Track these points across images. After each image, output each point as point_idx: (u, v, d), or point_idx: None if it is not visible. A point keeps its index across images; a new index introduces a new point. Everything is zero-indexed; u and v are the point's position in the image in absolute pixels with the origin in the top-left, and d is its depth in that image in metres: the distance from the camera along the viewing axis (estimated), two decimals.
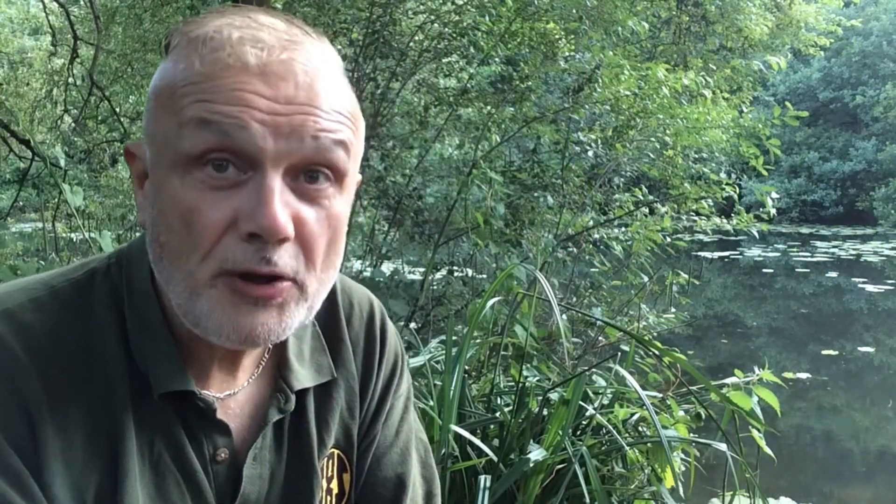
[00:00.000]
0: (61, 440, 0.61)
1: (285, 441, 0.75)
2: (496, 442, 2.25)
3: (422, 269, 4.92)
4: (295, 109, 0.61)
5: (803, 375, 6.03)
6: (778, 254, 15.71)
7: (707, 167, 5.28)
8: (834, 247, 17.25)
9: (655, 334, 4.62)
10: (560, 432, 2.04)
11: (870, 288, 10.92)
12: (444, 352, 2.23)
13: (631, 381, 2.19)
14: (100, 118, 6.65)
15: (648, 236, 4.71)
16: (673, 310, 5.40)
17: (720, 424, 2.19)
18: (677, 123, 4.86)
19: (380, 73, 4.64)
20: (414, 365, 2.34)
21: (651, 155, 5.19)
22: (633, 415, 2.37)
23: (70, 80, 6.84)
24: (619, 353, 2.90)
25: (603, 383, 2.48)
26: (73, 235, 7.60)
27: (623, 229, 5.22)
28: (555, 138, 4.88)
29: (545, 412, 2.26)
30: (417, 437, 0.89)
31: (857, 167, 26.04)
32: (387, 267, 4.79)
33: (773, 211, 4.77)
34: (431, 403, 2.14)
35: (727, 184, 5.07)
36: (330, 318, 0.82)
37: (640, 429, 2.42)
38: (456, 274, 4.43)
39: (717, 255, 14.59)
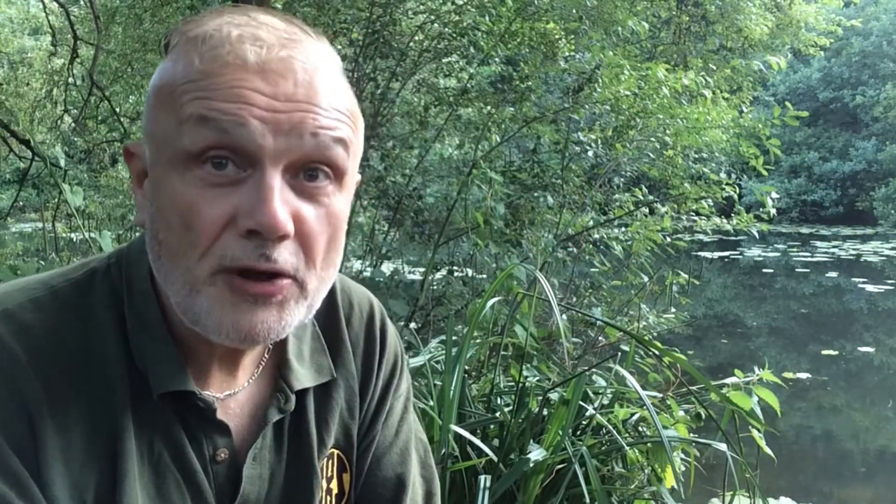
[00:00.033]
0: (61, 440, 0.61)
1: (285, 441, 0.75)
2: (496, 442, 2.25)
3: (422, 269, 4.92)
4: (294, 107, 0.61)
5: (803, 375, 6.03)
6: (778, 254, 15.71)
7: (707, 167, 5.28)
8: (834, 247, 17.25)
9: (655, 334, 4.62)
10: (560, 432, 2.04)
11: (870, 288, 10.92)
12: (444, 352, 2.23)
13: (631, 381, 2.19)
14: (100, 118, 6.65)
15: (648, 236, 4.71)
16: (673, 310, 5.40)
17: (720, 424, 2.19)
18: (677, 123, 4.86)
19: (380, 73, 4.64)
20: (414, 365, 2.34)
21: (651, 155, 5.19)
22: (633, 415, 2.37)
23: (70, 80, 6.84)
24: (619, 353, 2.90)
25: (603, 383, 2.48)
26: (73, 235, 7.60)
27: (623, 229, 5.22)
28: (555, 138, 4.88)
29: (545, 412, 2.26)
30: (417, 437, 0.89)
31: (857, 167, 26.04)
32: (387, 267, 4.79)
33: (773, 211, 4.77)
34: (431, 403, 2.14)
35: (727, 184, 5.07)
36: (329, 318, 0.82)
37: (640, 429, 2.42)
38: (456, 274, 4.43)
39: (717, 255, 14.59)
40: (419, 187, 4.79)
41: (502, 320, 2.80)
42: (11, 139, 5.97)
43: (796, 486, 3.82)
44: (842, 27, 12.07)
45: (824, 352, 6.99)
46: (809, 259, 14.76)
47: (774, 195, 4.83)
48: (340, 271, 0.73)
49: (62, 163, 3.49)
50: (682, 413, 2.38)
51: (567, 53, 5.04)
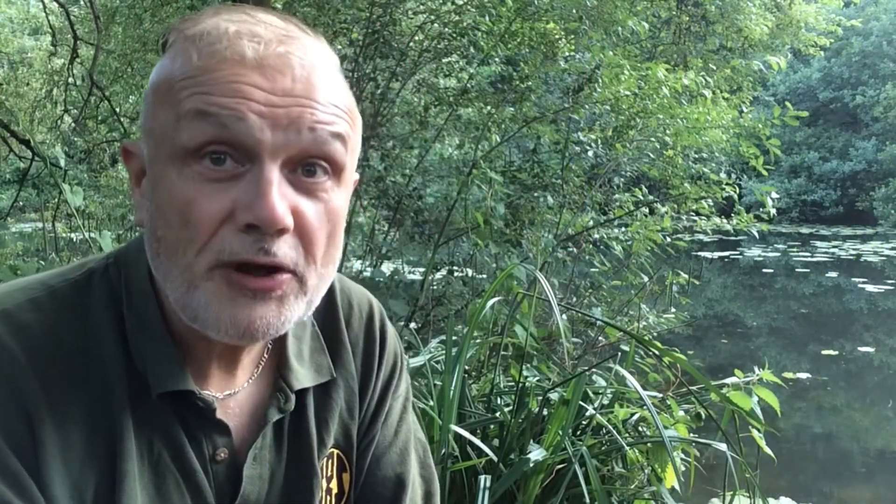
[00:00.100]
0: (60, 440, 0.61)
1: (285, 441, 0.75)
2: (496, 442, 2.25)
3: (422, 269, 4.92)
4: (292, 102, 0.61)
5: (803, 375, 6.03)
6: (778, 254, 15.71)
7: (707, 167, 5.28)
8: (834, 247, 17.25)
9: (655, 334, 4.62)
10: (560, 432, 2.04)
11: (870, 288, 10.92)
12: (444, 352, 2.23)
13: (631, 380, 2.19)
14: (100, 118, 6.65)
15: (648, 236, 4.71)
16: (673, 310, 5.41)
17: (720, 424, 2.19)
18: (677, 123, 4.86)
19: (380, 73, 4.64)
20: (414, 365, 2.34)
21: (651, 155, 5.19)
22: (633, 415, 2.37)
23: (70, 80, 6.84)
24: (619, 353, 2.90)
25: (603, 383, 2.48)
26: (73, 235, 7.60)
27: (623, 229, 5.21)
28: (555, 138, 4.88)
29: (545, 412, 2.26)
30: (416, 438, 0.89)
31: (857, 167, 26.04)
32: (387, 267, 4.79)
33: (773, 211, 4.77)
34: (431, 403, 2.14)
35: (727, 184, 5.07)
36: (329, 318, 0.82)
37: (640, 429, 2.42)
38: (456, 274, 4.43)
39: (717, 255, 14.59)
40: (419, 187, 4.79)
41: (502, 320, 2.80)
42: (11, 139, 5.97)
43: (796, 486, 3.82)
44: (842, 27, 12.07)
45: (824, 352, 6.99)
46: (809, 259, 14.76)
47: (774, 195, 4.83)
48: (340, 271, 0.74)
49: (62, 163, 3.49)
50: (682, 413, 2.38)
51: (567, 53, 5.04)
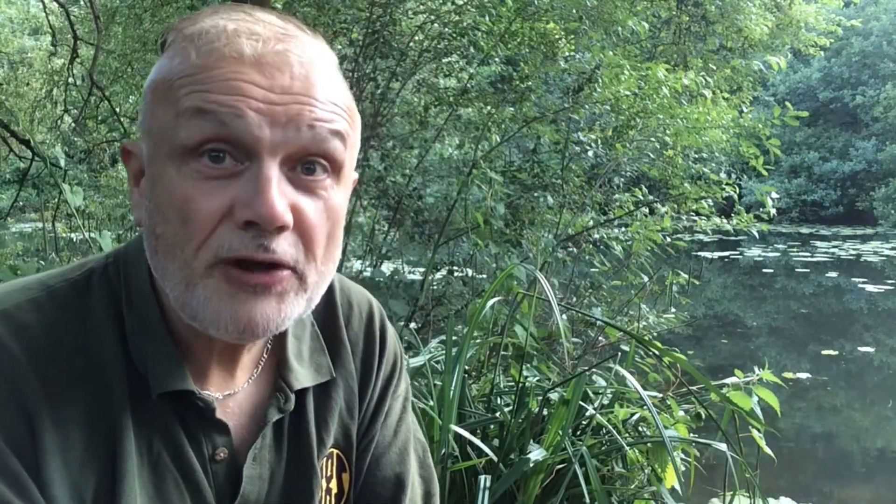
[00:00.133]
0: (60, 440, 0.61)
1: (285, 441, 0.75)
2: (496, 442, 2.25)
3: (422, 269, 4.92)
4: (291, 99, 0.61)
5: (803, 375, 6.03)
6: (778, 254, 15.71)
7: (707, 167, 5.28)
8: (834, 247, 17.24)
9: (655, 334, 4.62)
10: (560, 432, 2.04)
11: (870, 288, 10.92)
12: (444, 352, 2.23)
13: (631, 380, 2.19)
14: (100, 118, 6.64)
15: (648, 236, 4.71)
16: (673, 310, 5.41)
17: (720, 424, 2.19)
18: (677, 123, 4.86)
19: (380, 73, 4.64)
20: (414, 365, 2.34)
21: (651, 155, 5.19)
22: (633, 415, 2.37)
23: (70, 80, 6.84)
24: (619, 353, 2.90)
25: (603, 383, 2.48)
26: (73, 235, 7.60)
27: (623, 229, 5.21)
28: (555, 138, 4.88)
29: (545, 412, 2.26)
30: (415, 438, 0.89)
31: (857, 167, 26.04)
32: (387, 267, 4.79)
33: (773, 211, 4.77)
34: (431, 403, 2.14)
35: (727, 184, 5.07)
36: (328, 318, 0.82)
37: (640, 429, 2.42)
38: (456, 274, 4.43)
39: (717, 255, 14.59)
40: (419, 187, 4.79)
41: (502, 320, 2.80)
42: (11, 139, 5.97)
43: (796, 486, 3.82)
44: (842, 27, 12.07)
45: (824, 352, 6.99)
46: (809, 259, 14.76)
47: (774, 195, 4.83)
48: (340, 271, 0.74)
49: (62, 163, 3.49)
50: (682, 413, 2.38)
51: (567, 53, 5.04)
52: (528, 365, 2.56)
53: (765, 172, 5.03)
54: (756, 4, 8.40)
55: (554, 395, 2.24)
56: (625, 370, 2.31)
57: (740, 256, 15.11)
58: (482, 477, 1.95)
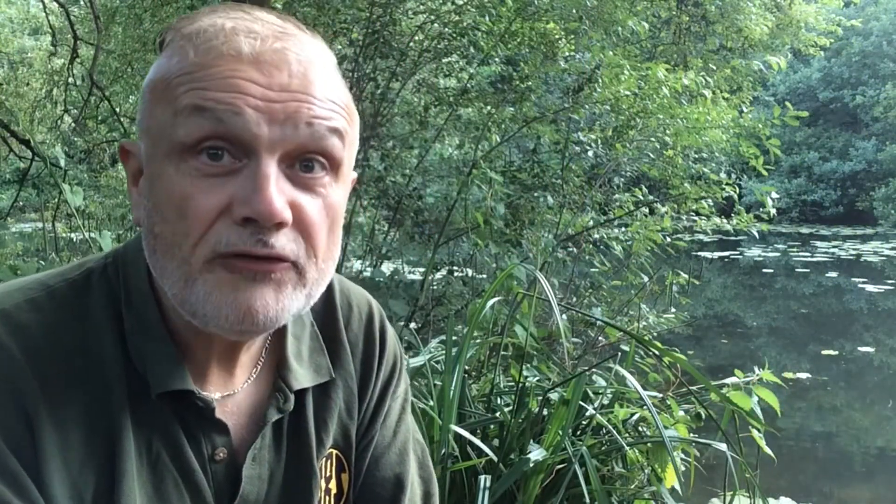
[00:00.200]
0: (59, 440, 0.61)
1: (284, 441, 0.75)
2: (496, 442, 2.25)
3: (422, 269, 4.92)
4: (289, 97, 0.61)
5: (803, 375, 6.03)
6: (778, 254, 15.71)
7: (707, 167, 5.28)
8: (834, 247, 17.24)
9: (655, 334, 4.62)
10: (560, 432, 2.04)
11: (870, 288, 10.92)
12: (444, 352, 2.23)
13: (631, 380, 2.19)
14: (100, 118, 6.65)
15: (648, 236, 4.71)
16: (673, 310, 5.41)
17: (720, 424, 2.19)
18: (677, 123, 4.86)
19: (380, 73, 4.64)
20: (414, 365, 2.34)
21: (651, 155, 5.19)
22: (633, 415, 2.37)
23: (70, 80, 6.84)
24: (619, 353, 2.90)
25: (603, 383, 2.48)
26: (73, 235, 7.60)
27: (623, 229, 5.21)
28: (555, 138, 4.88)
29: (545, 412, 2.26)
30: (415, 439, 0.89)
31: (857, 167, 26.04)
32: (387, 267, 4.79)
33: (773, 211, 4.77)
34: (431, 403, 2.14)
35: (727, 184, 5.07)
36: (327, 319, 0.82)
37: (640, 429, 2.42)
38: (456, 274, 4.43)
39: (717, 255, 14.59)
40: (419, 187, 4.79)
41: (502, 320, 2.80)
42: (11, 139, 5.97)
43: (796, 486, 3.81)
44: (842, 27, 12.07)
45: (824, 352, 6.99)
46: (809, 259, 14.76)
47: (774, 195, 4.83)
48: (340, 271, 0.74)
49: (62, 163, 3.49)
50: (682, 413, 2.38)
51: (567, 53, 5.04)
52: (528, 365, 2.56)
53: (765, 172, 5.03)
54: (756, 4, 8.40)
55: (554, 395, 2.24)
56: (625, 370, 2.31)
57: (740, 256, 15.11)
58: (482, 477, 1.95)
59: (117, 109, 6.46)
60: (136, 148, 0.67)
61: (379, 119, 4.58)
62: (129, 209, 0.70)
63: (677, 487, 2.20)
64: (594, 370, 2.49)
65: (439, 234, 4.22)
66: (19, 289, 0.66)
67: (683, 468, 2.34)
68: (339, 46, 4.53)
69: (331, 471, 0.80)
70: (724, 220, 5.23)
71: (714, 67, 7.43)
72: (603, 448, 2.27)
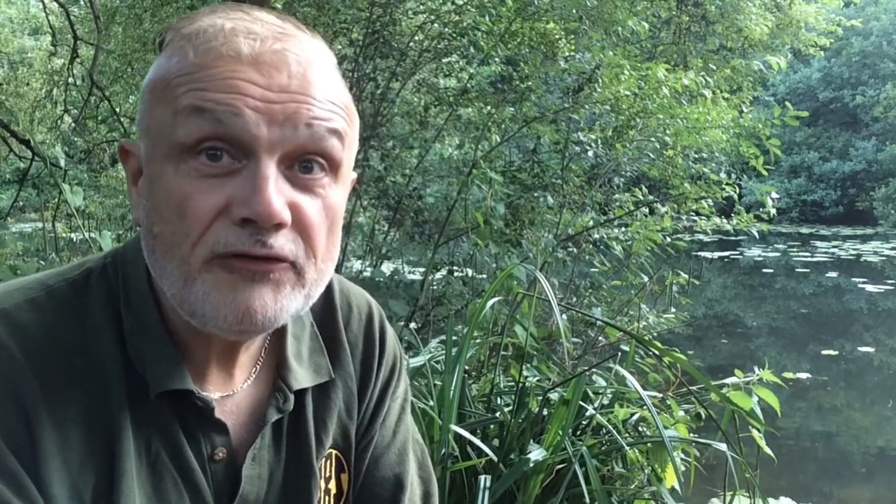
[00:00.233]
0: (58, 440, 0.61)
1: (284, 441, 0.75)
2: (496, 442, 2.25)
3: (422, 269, 4.92)
4: (288, 98, 0.61)
5: (803, 375, 6.03)
6: (778, 254, 15.71)
7: (707, 167, 5.28)
8: (834, 247, 17.24)
9: (655, 334, 4.62)
10: (560, 432, 2.04)
11: (870, 288, 10.92)
12: (444, 352, 2.23)
13: (631, 380, 2.19)
14: (100, 118, 6.65)
15: (648, 236, 4.71)
16: (673, 310, 5.41)
17: (720, 424, 2.19)
18: (677, 123, 4.86)
19: (380, 73, 4.64)
20: (414, 365, 2.34)
21: (651, 155, 5.19)
22: (633, 415, 2.37)
23: (70, 80, 6.84)
24: (619, 353, 2.90)
25: (603, 383, 2.48)
26: (73, 235, 7.60)
27: (623, 229, 5.21)
28: (555, 138, 4.88)
29: (545, 412, 2.26)
30: (414, 439, 0.89)
31: (857, 167, 26.04)
32: (387, 267, 4.79)
33: (773, 211, 4.77)
34: (431, 403, 2.14)
35: (727, 184, 5.07)
36: (327, 319, 0.82)
37: (640, 429, 2.42)
38: (456, 274, 4.43)
39: (717, 255, 14.59)
40: (419, 187, 4.79)
41: (502, 320, 2.80)
42: (11, 139, 5.97)
43: (796, 486, 3.81)
44: (842, 27, 12.07)
45: (824, 352, 6.99)
46: (809, 259, 14.76)
47: (774, 195, 4.83)
48: (340, 271, 0.74)
49: (62, 163, 3.49)
50: (682, 413, 2.38)
51: (567, 53, 5.04)
52: (528, 365, 2.56)
53: (765, 172, 5.03)
54: (756, 4, 8.40)
55: (554, 395, 2.24)
56: (625, 370, 2.31)
57: (740, 256, 15.11)
58: (482, 477, 1.95)
59: (117, 109, 6.46)
60: (136, 148, 0.67)
61: (379, 119, 4.58)
62: (129, 209, 0.70)
63: (677, 487, 2.20)
64: (594, 370, 2.49)
65: (439, 234, 4.22)
66: (19, 288, 0.66)
67: (683, 468, 2.34)
68: (339, 46, 4.53)
69: (330, 471, 0.80)
70: (724, 220, 5.23)
71: (714, 67, 7.43)
72: (603, 448, 2.27)
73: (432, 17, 4.89)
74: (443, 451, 1.96)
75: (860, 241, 18.96)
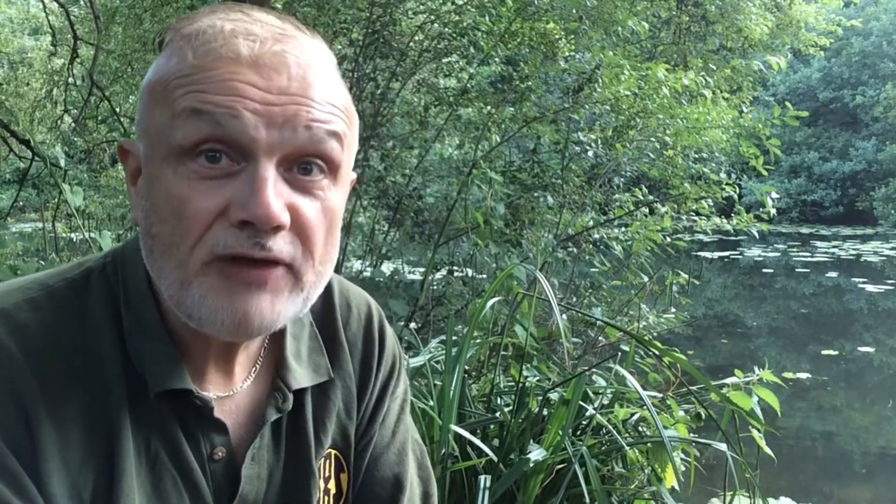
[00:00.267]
0: (58, 439, 0.61)
1: (283, 441, 0.75)
2: (496, 442, 2.25)
3: (422, 269, 4.92)
4: (288, 100, 0.61)
5: (803, 375, 6.03)
6: (778, 254, 15.71)
7: (707, 167, 5.28)
8: (834, 247, 17.24)
9: (655, 334, 4.62)
10: (560, 432, 2.04)
11: (870, 288, 10.92)
12: (444, 352, 2.23)
13: (631, 380, 2.19)
14: (100, 118, 6.65)
15: (648, 236, 4.71)
16: (673, 310, 5.40)
17: (720, 424, 2.19)
18: (677, 123, 4.86)
19: (380, 73, 4.64)
20: (414, 365, 2.34)
21: (651, 155, 5.19)
22: (633, 415, 2.37)
23: (70, 80, 6.84)
24: (619, 353, 2.90)
25: (603, 383, 2.48)
26: (73, 235, 7.61)
27: (623, 229, 5.21)
28: (555, 138, 4.88)
29: (545, 412, 2.26)
30: (413, 439, 0.89)
31: (857, 167, 26.04)
32: (387, 267, 4.79)
33: (773, 211, 4.77)
34: (431, 403, 2.14)
35: (727, 184, 5.07)
36: (326, 319, 0.82)
37: (640, 429, 2.42)
38: (456, 274, 4.43)
39: (717, 255, 14.59)
40: (419, 187, 4.79)
41: (502, 320, 2.80)
42: (11, 139, 5.97)
43: (796, 486, 3.81)
44: (842, 27, 12.08)
45: (824, 352, 6.99)
46: (809, 259, 14.76)
47: (774, 195, 4.83)
48: (340, 271, 0.74)
49: (62, 163, 3.49)
50: (682, 413, 2.37)
51: (567, 53, 5.04)
52: (528, 365, 2.56)
53: (765, 172, 5.03)
54: (756, 4, 8.40)
55: (554, 395, 2.24)
56: (625, 370, 2.31)
57: (740, 256, 15.11)
58: (482, 477, 1.95)
59: (117, 109, 6.46)
60: (135, 148, 0.67)
61: (379, 119, 4.58)
62: (130, 209, 0.70)
63: (676, 488, 2.20)
64: (594, 370, 2.49)
65: (439, 234, 4.22)
66: (19, 288, 0.66)
67: (683, 468, 2.34)
68: (339, 46, 4.53)
69: (330, 471, 0.80)
70: (724, 220, 5.23)
71: (714, 67, 7.43)
72: (603, 448, 2.27)
73: (432, 17, 4.89)
74: (443, 451, 1.96)
75: (860, 241, 18.96)
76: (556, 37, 4.88)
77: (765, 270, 13.36)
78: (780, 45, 10.47)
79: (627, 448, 2.15)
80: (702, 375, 2.18)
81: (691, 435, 2.34)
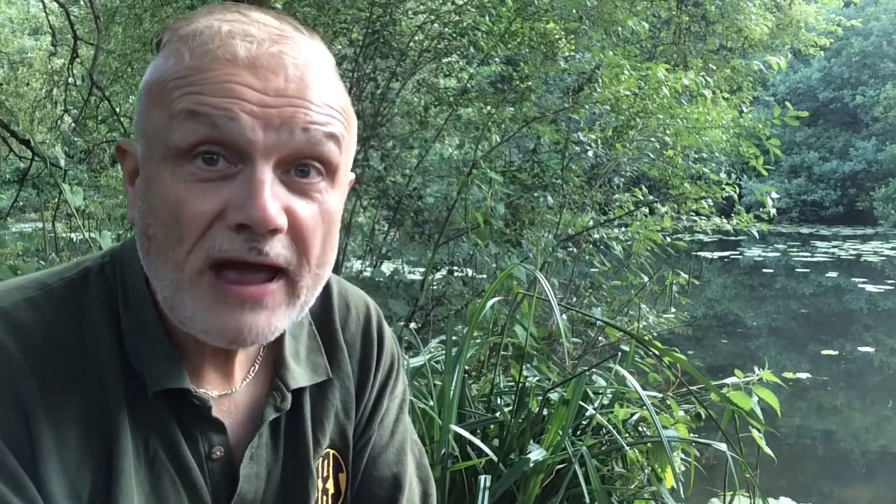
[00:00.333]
0: (57, 439, 0.61)
1: (281, 440, 0.75)
2: (496, 442, 2.25)
3: (422, 269, 4.92)
4: (285, 102, 0.61)
5: (803, 375, 6.03)
6: (778, 254, 15.71)
7: (707, 167, 5.28)
8: (834, 247, 17.24)
9: (655, 334, 4.62)
10: (560, 432, 2.04)
11: (870, 288, 10.91)
12: (444, 352, 2.23)
13: (631, 381, 2.19)
14: (100, 118, 6.65)
15: (648, 236, 4.70)
16: (673, 310, 5.40)
17: (720, 424, 2.19)
18: (677, 123, 4.86)
19: (380, 73, 4.64)
20: (414, 365, 2.34)
21: (651, 155, 5.19)
22: (633, 415, 2.37)
23: (70, 80, 6.85)
24: (619, 353, 2.90)
25: (603, 383, 2.48)
26: (73, 235, 7.61)
27: (623, 229, 5.21)
28: (555, 138, 4.88)
29: (545, 412, 2.26)
30: (412, 439, 0.89)
31: (857, 167, 26.04)
32: (387, 267, 4.79)
33: (773, 211, 4.77)
34: (431, 403, 2.14)
35: (727, 184, 5.07)
36: (324, 319, 0.82)
37: (640, 429, 2.42)
38: (456, 274, 4.43)
39: (717, 255, 14.59)
40: (419, 187, 4.80)
41: (502, 320, 2.80)
42: (11, 139, 5.97)
43: (796, 486, 3.81)
44: (842, 27, 12.08)
45: (824, 352, 6.98)
46: (809, 259, 14.75)
47: (774, 195, 4.83)
48: (340, 272, 0.74)
49: (62, 163, 3.49)
50: (682, 413, 2.37)
51: (567, 53, 5.04)
52: (528, 365, 2.56)
53: (765, 172, 5.03)
54: (756, 4, 8.40)
55: (554, 395, 2.24)
56: (625, 370, 2.31)
57: (740, 256, 15.11)
58: (482, 477, 1.95)
59: (117, 109, 6.46)
60: (133, 148, 0.67)
61: (379, 119, 4.57)
62: (127, 208, 0.69)
63: (677, 487, 2.20)
64: (594, 370, 2.49)
65: (439, 234, 4.22)
66: (17, 288, 0.66)
67: (683, 468, 2.34)
68: (339, 46, 4.53)
69: (328, 471, 0.80)
70: (724, 220, 5.23)
71: (714, 67, 7.43)
72: (603, 448, 2.27)
73: (432, 17, 4.89)
74: (443, 451, 1.96)
75: (860, 241, 18.96)
76: (556, 37, 4.88)
77: (765, 270, 13.36)
78: (780, 45, 10.47)
79: (627, 448, 2.15)
80: (702, 375, 2.17)
81: (691, 435, 2.34)
